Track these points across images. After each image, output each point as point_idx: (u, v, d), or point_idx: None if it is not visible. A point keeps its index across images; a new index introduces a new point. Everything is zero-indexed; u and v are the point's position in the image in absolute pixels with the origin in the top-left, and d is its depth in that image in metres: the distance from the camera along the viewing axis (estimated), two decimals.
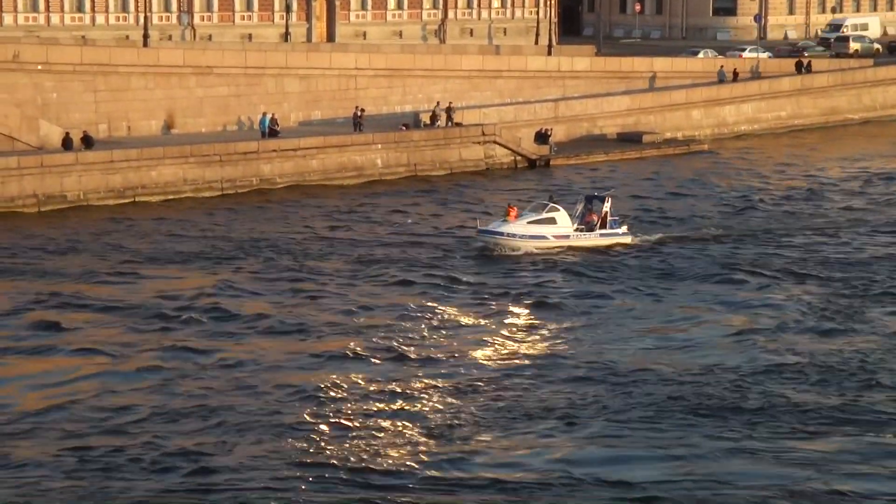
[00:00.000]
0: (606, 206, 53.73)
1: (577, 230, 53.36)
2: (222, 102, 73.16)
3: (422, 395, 33.53)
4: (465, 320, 41.60)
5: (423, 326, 40.74)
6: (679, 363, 36.49)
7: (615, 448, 29.88)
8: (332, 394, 33.66)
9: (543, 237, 52.64)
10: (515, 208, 53.89)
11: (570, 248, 52.54)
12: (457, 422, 31.52)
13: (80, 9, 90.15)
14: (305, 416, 31.91)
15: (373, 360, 36.82)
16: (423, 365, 36.39)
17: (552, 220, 53.14)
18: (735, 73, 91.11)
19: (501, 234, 52.34)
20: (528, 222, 52.87)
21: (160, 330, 40.01)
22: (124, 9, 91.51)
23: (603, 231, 53.53)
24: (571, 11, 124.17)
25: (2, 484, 27.61)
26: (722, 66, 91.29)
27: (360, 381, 34.61)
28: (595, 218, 53.62)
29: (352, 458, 29.00)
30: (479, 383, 34.65)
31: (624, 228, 54.01)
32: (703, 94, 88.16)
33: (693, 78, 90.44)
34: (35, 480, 27.65)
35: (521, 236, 52.30)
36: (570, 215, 53.52)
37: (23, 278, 47.12)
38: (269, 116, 70.53)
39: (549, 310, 43.10)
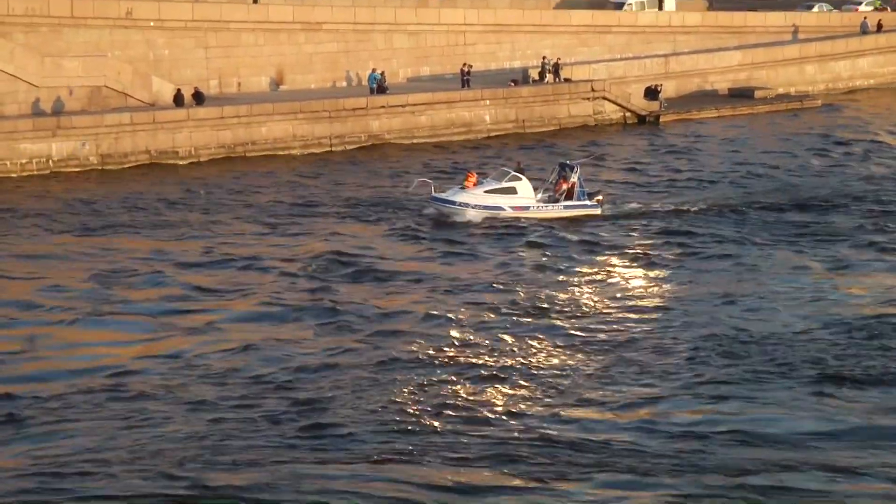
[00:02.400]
0: (574, 177, 50.18)
1: (543, 201, 50.16)
2: (331, 59, 73.45)
3: (541, 352, 33.35)
4: (576, 277, 41.27)
5: (533, 280, 40.64)
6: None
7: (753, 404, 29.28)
8: (469, 350, 33.56)
9: (499, 208, 49.43)
10: (475, 174, 51.09)
11: (529, 220, 49.30)
12: (588, 379, 31.26)
13: None
14: (446, 370, 31.90)
15: (511, 315, 36.60)
16: (538, 321, 36.13)
17: (512, 190, 49.80)
18: (879, 25, 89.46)
19: (454, 202, 49.35)
20: (486, 191, 49.73)
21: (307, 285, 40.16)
22: None
23: (568, 203, 49.98)
24: None
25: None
26: (865, 18, 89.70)
27: (506, 338, 34.52)
28: (564, 187, 50.29)
29: (484, 411, 28.96)
30: (600, 342, 34.26)
31: (597, 200, 50.29)
32: (816, 49, 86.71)
33: (807, 33, 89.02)
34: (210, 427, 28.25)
35: (475, 206, 49.21)
36: (547, 184, 50.77)
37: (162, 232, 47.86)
38: (377, 73, 70.67)
39: (660, 268, 42.55)
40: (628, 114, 75.60)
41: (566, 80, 74.72)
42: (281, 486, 24.59)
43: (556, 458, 26.18)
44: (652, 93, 76.94)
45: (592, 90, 74.35)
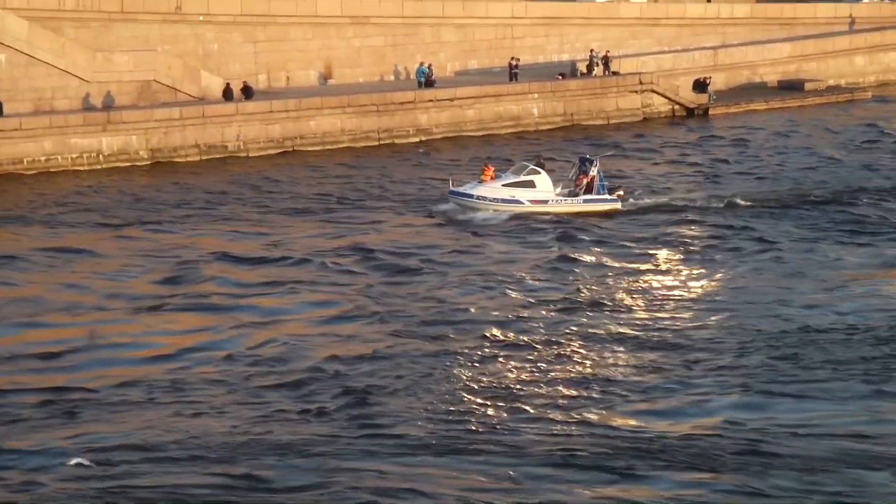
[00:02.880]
0: (594, 171, 49.89)
1: (563, 195, 49.87)
2: (379, 52, 73.54)
3: (593, 347, 33.27)
4: (617, 272, 41.12)
5: (581, 274, 40.56)
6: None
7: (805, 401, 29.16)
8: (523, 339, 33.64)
9: (518, 202, 49.32)
10: (492, 168, 50.98)
11: (548, 214, 49.11)
12: (639, 373, 31.18)
13: None
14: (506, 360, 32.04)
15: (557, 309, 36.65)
16: (589, 315, 36.03)
17: (530, 184, 49.65)
18: None
19: (471, 196, 49.32)
20: (504, 185, 49.65)
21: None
22: None
23: (588, 197, 49.74)
24: None
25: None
26: None
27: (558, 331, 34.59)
28: (584, 181, 50.04)
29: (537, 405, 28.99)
30: (648, 336, 34.14)
31: (618, 194, 49.98)
32: (867, 40, 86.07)
33: (857, 23, 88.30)
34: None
35: (493, 199, 49.19)
36: (567, 178, 50.56)
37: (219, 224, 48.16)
38: (425, 66, 70.68)
39: (708, 262, 42.34)
40: (677, 107, 75.30)
41: (614, 73, 74.49)
42: (337, 479, 24.65)
43: (613, 453, 26.11)
44: (700, 85, 76.61)
45: (640, 83, 74.07)
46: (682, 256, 43.14)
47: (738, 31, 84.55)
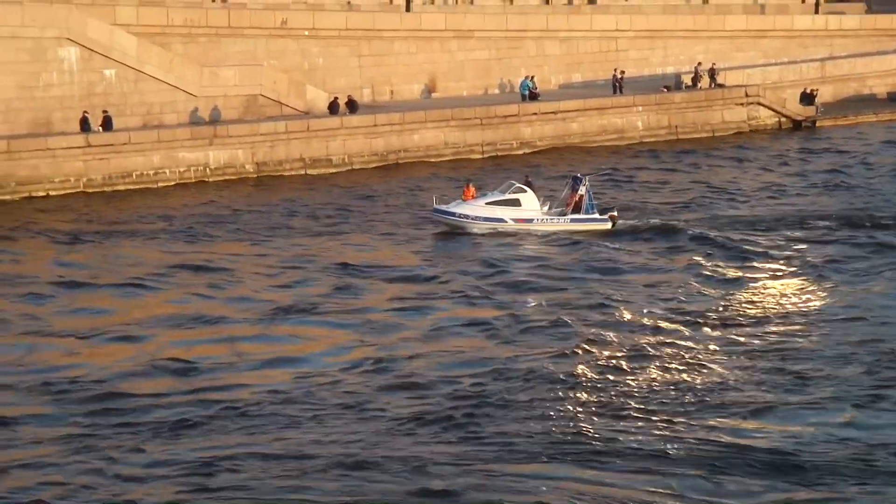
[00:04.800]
0: (582, 189, 48.74)
1: (554, 214, 48.90)
2: (483, 66, 73.74)
3: (693, 358, 33.30)
4: (735, 283, 40.95)
5: (694, 288, 40.48)
6: None
7: None
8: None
9: (501, 220, 48.43)
10: (472, 187, 49.94)
11: (533, 233, 48.31)
12: (740, 383, 31.22)
13: None
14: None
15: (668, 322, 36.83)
16: (688, 327, 36.00)
17: (515, 203, 48.65)
18: None
19: (454, 214, 48.59)
20: (487, 203, 48.76)
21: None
22: None
23: (575, 216, 48.68)
24: None
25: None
26: None
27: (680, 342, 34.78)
28: (575, 200, 48.96)
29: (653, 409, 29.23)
30: (749, 349, 34.05)
31: (610, 215, 48.74)
32: None
33: None
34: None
35: (475, 218, 48.34)
36: (561, 197, 49.64)
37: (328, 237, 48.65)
38: (529, 79, 70.75)
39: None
40: (783, 119, 74.63)
41: (720, 85, 73.99)
42: (458, 489, 24.98)
43: (721, 463, 26.23)
44: (808, 97, 75.83)
45: (746, 95, 73.52)
46: (788, 270, 42.83)
47: (847, 43, 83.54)
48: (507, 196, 49.07)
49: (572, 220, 48.85)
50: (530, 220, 48.71)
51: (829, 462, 26.29)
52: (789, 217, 50.82)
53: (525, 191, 49.15)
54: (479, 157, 65.96)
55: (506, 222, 48.61)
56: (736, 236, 47.61)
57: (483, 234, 48.22)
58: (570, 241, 47.52)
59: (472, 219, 48.60)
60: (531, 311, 38.08)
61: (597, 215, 48.95)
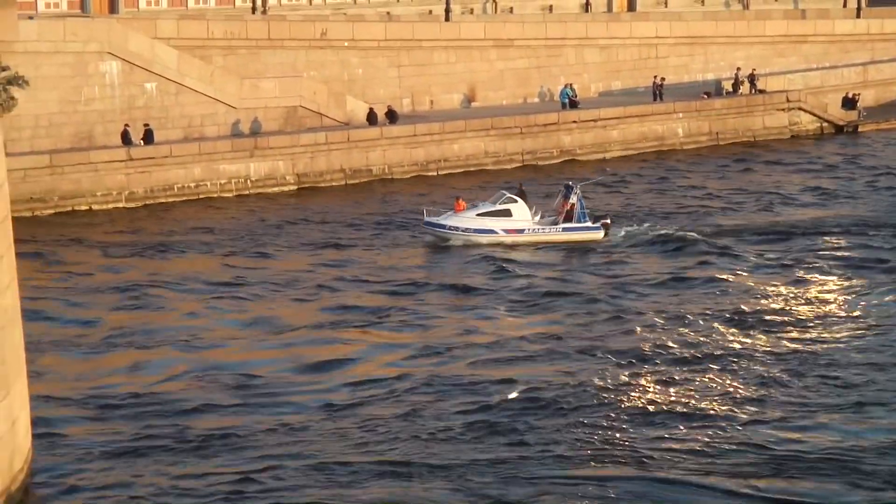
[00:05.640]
0: (574, 198, 48.51)
1: (546, 224, 48.71)
2: (522, 74, 73.66)
3: (740, 360, 33.36)
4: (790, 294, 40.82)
5: (747, 294, 40.40)
6: None
7: None
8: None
9: (492, 231, 48.26)
10: (463, 202, 49.62)
11: (526, 244, 48.16)
12: (787, 389, 31.18)
13: None
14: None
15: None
16: (746, 334, 36.04)
17: (506, 213, 48.45)
18: None
19: (444, 226, 48.43)
20: (478, 214, 48.58)
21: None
22: None
23: (567, 225, 48.46)
24: None
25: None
26: None
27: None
28: (566, 209, 48.74)
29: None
30: (795, 354, 34.03)
31: (603, 223, 48.54)
32: None
33: None
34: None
35: (465, 230, 48.19)
36: (553, 206, 49.39)
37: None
38: (569, 87, 70.65)
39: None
40: (825, 124, 74.26)
41: (761, 91, 73.69)
42: (510, 497, 25.14)
43: (768, 469, 26.30)
44: (849, 102, 75.45)
45: (788, 101, 73.22)
46: (830, 274, 42.65)
47: (889, 47, 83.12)
48: (498, 207, 48.87)
49: (564, 230, 48.68)
50: (521, 231, 48.55)
51: (879, 467, 26.13)
52: (829, 222, 50.59)
53: (516, 201, 48.91)
54: (520, 165, 65.85)
55: (497, 233, 48.42)
56: (773, 241, 47.47)
57: (475, 246, 48.02)
58: (594, 250, 47.40)
59: (463, 230, 48.42)
60: (566, 319, 38.03)
61: (589, 224, 48.69)
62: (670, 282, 42.33)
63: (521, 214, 48.72)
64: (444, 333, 37.03)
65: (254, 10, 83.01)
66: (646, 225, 50.29)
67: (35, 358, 32.36)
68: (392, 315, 38.98)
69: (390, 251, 48.28)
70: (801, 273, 42.85)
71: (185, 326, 38.13)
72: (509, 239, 48.41)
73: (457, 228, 48.49)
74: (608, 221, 49.04)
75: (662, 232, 49.06)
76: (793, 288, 41.07)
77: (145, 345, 36.34)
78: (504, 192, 50.26)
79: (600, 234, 48.47)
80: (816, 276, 42.51)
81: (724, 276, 42.59)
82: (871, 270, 42.96)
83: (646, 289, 41.53)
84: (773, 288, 41.00)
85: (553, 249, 47.91)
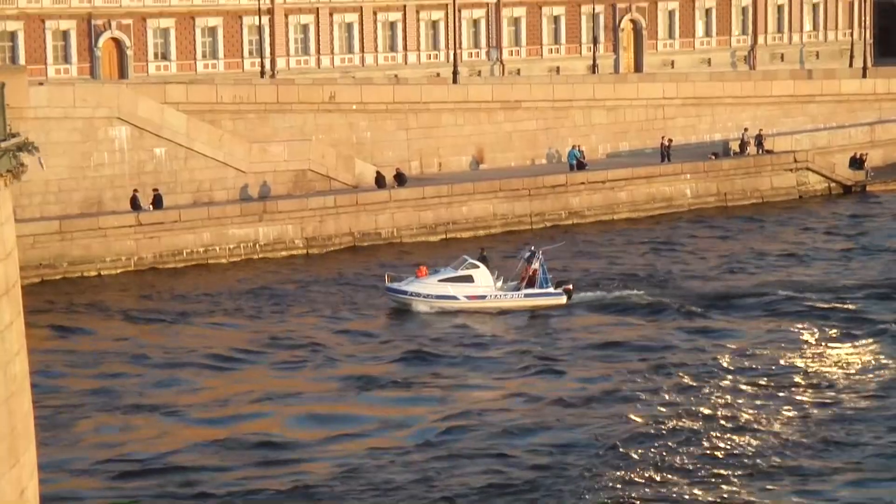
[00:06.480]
0: (536, 263, 48.45)
1: (509, 289, 48.64)
2: (530, 136, 73.80)
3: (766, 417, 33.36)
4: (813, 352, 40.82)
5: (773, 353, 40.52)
6: None
7: None
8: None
9: (453, 297, 48.04)
10: (425, 269, 49.65)
11: (488, 309, 47.92)
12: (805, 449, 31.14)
13: (392, 48, 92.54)
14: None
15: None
16: (758, 393, 36.07)
17: (468, 279, 48.30)
18: None
19: (405, 292, 48.26)
20: (440, 280, 48.40)
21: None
22: (435, 47, 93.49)
23: (529, 291, 48.32)
24: (887, 32, 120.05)
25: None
26: None
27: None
28: (528, 275, 48.68)
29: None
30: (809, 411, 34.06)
31: (565, 288, 48.46)
32: None
33: None
34: None
35: (427, 296, 47.96)
36: (515, 272, 49.33)
37: None
38: (577, 149, 70.76)
39: None
40: (833, 184, 74.27)
41: (768, 151, 73.80)
42: None
43: None
44: (857, 162, 75.50)
45: (795, 161, 73.27)
46: (835, 335, 42.70)
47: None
48: (460, 272, 48.74)
49: (526, 296, 48.48)
50: (483, 297, 48.32)
51: None
52: (834, 283, 50.58)
53: (478, 266, 48.80)
54: (528, 227, 65.84)
55: (458, 300, 48.19)
56: (774, 301, 47.39)
57: (434, 312, 47.76)
58: (557, 315, 47.37)
59: (424, 296, 48.12)
60: (576, 381, 38.04)
61: (551, 290, 48.50)
62: (637, 347, 42.52)
63: (483, 280, 48.50)
64: (458, 396, 37.03)
65: (262, 73, 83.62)
66: (615, 290, 50.09)
67: (45, 426, 32.26)
68: (412, 377, 39.23)
69: (405, 315, 48.23)
70: (805, 335, 42.91)
71: (195, 391, 38.10)
72: (471, 305, 48.21)
73: (419, 294, 48.24)
74: (570, 287, 48.97)
75: (631, 296, 48.98)
76: (791, 351, 41.13)
77: (155, 411, 36.26)
78: (466, 257, 50.14)
79: (563, 300, 48.35)
80: (818, 337, 42.56)
81: (701, 343, 42.73)
82: (878, 333, 42.89)
83: (617, 351, 41.86)
84: (773, 352, 41.06)
85: (515, 315, 47.78)
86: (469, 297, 48.27)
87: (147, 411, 36.28)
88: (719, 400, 35.84)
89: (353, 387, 38.43)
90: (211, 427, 34.66)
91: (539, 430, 33.69)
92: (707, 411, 34.68)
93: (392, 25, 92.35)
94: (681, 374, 38.31)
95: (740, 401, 35.69)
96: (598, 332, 44.85)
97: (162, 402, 37.09)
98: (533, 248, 50.30)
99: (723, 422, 33.89)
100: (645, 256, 58.16)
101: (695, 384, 37.32)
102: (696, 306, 47.00)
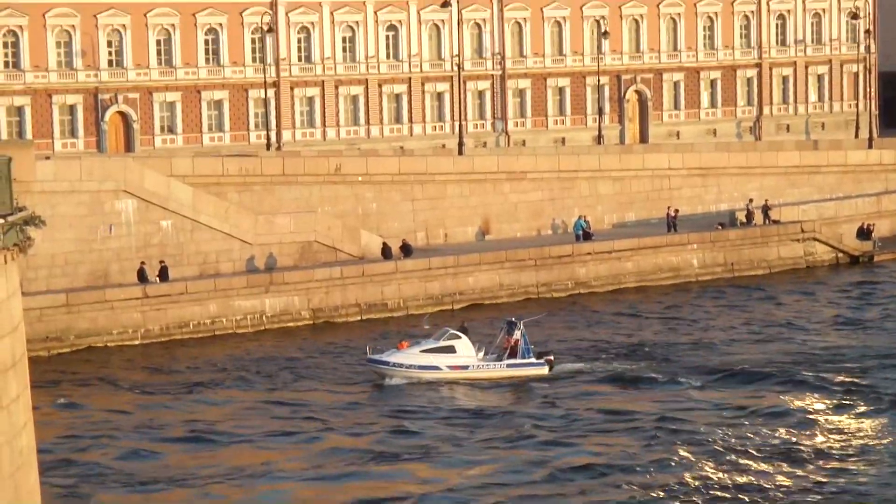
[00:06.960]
0: (517, 334, 48.37)
1: (490, 360, 48.52)
2: (536, 207, 73.84)
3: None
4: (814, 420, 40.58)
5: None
6: None
7: None
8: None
9: (436, 368, 47.86)
10: (407, 343, 49.30)
11: (470, 380, 47.82)
12: None
13: (398, 120, 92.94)
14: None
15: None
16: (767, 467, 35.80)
17: (450, 349, 48.22)
18: None
19: (388, 363, 48.03)
20: (422, 351, 48.29)
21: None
22: (440, 118, 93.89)
23: (511, 361, 48.15)
24: (893, 103, 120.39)
25: None
26: None
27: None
28: (510, 345, 48.57)
29: None
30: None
31: (546, 359, 48.30)
32: None
33: None
34: None
35: (409, 366, 47.75)
36: (496, 342, 49.11)
37: None
38: (582, 219, 70.80)
39: None
40: (840, 254, 74.17)
41: (775, 221, 73.77)
42: None
43: None
44: (864, 232, 75.42)
45: (802, 231, 73.23)
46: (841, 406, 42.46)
47: None
48: (442, 343, 48.63)
49: (508, 366, 48.36)
50: (466, 367, 48.17)
51: None
52: (842, 353, 50.40)
53: (460, 337, 48.75)
54: (534, 297, 65.67)
55: (441, 370, 48.06)
56: (777, 372, 47.26)
57: (419, 383, 47.59)
58: (539, 387, 47.15)
59: (407, 367, 47.97)
60: (561, 451, 37.86)
61: (533, 360, 48.39)
62: (621, 418, 42.34)
63: (466, 351, 48.40)
64: (464, 469, 36.71)
65: (268, 146, 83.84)
66: (598, 361, 50.03)
67: (52, 500, 31.97)
68: (421, 448, 39.04)
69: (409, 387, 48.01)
70: (811, 405, 42.73)
71: (203, 466, 37.78)
72: (453, 375, 48.05)
73: (400, 365, 48.13)
74: (552, 357, 48.85)
75: (615, 367, 48.92)
76: (790, 422, 40.94)
77: (162, 486, 35.96)
78: (448, 328, 50.01)
79: (545, 370, 48.25)
80: (824, 407, 42.40)
81: (683, 416, 42.37)
82: (887, 403, 42.72)
83: (599, 422, 41.77)
84: (769, 422, 40.93)
85: (497, 386, 47.54)
86: (451, 367, 48.13)
87: (150, 488, 35.96)
88: (712, 471, 35.68)
89: (337, 461, 38.08)
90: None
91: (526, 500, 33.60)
92: (697, 483, 34.52)
93: (397, 97, 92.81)
94: (670, 444, 38.17)
95: (735, 473, 35.49)
96: (584, 401, 44.76)
97: (162, 478, 36.79)
98: (514, 318, 50.38)
99: (715, 491, 33.77)
100: (646, 327, 57.94)
101: (671, 456, 37.17)
102: (681, 377, 47.00)
